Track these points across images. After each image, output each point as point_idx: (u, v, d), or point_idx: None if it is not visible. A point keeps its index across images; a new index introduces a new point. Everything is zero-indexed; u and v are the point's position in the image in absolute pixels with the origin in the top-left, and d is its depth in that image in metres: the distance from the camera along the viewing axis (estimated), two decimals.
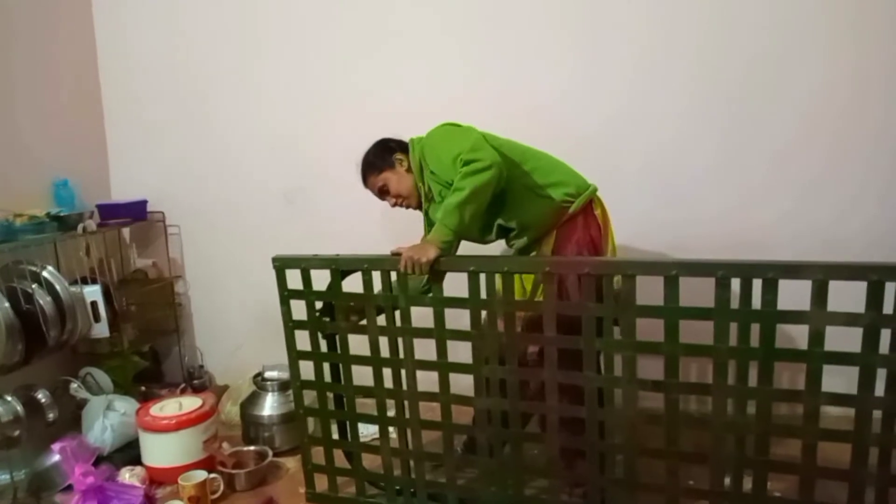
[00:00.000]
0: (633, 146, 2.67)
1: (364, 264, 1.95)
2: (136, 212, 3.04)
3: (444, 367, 1.94)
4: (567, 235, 2.03)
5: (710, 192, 2.64)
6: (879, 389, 1.63)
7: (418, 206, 2.17)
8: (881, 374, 1.63)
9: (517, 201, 2.01)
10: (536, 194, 2.01)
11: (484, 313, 1.91)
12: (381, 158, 2.15)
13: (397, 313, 1.96)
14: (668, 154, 2.65)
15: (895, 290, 1.58)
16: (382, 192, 2.17)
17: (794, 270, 1.64)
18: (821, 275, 1.61)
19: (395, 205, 2.19)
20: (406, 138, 2.17)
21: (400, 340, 1.97)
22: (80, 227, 2.71)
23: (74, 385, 2.62)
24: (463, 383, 1.96)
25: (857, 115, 2.49)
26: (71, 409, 2.59)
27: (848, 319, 1.63)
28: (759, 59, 2.53)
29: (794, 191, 2.59)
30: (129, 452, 2.45)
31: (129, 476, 2.29)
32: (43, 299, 2.39)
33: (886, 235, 2.51)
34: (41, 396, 2.43)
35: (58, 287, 2.47)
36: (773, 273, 1.64)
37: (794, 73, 2.52)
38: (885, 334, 1.61)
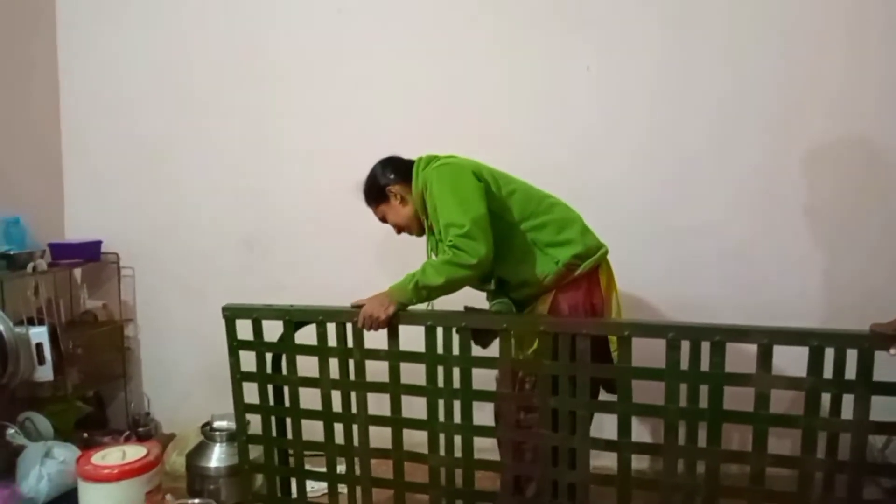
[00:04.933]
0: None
1: (318, 316, 1.93)
2: (89, 252, 2.96)
3: (397, 422, 1.92)
4: (566, 299, 1.92)
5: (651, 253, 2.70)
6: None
7: (421, 234, 2.08)
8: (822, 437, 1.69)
9: (519, 257, 1.92)
10: (542, 252, 1.91)
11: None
12: (375, 190, 2.06)
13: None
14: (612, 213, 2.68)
15: (834, 356, 1.66)
16: (384, 222, 2.12)
17: (740, 334, 1.71)
18: (765, 339, 1.67)
19: (398, 233, 2.12)
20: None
21: (353, 395, 1.95)
22: (30, 266, 2.63)
23: (11, 430, 2.50)
24: (417, 438, 1.95)
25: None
26: (6, 457, 2.47)
27: (791, 383, 1.69)
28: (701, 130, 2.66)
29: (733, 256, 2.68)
30: None
31: None
32: None
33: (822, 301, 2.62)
34: None
35: (1, 327, 2.38)
36: (721, 336, 1.69)
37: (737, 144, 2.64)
38: (826, 398, 1.68)
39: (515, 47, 2.74)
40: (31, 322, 2.53)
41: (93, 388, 3.04)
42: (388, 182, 2.04)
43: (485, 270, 1.85)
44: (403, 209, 2.04)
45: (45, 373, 2.50)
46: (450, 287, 1.84)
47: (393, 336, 1.88)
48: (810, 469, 1.70)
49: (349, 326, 1.91)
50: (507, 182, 1.97)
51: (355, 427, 1.97)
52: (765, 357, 1.68)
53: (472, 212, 1.82)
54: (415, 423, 1.92)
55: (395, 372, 1.89)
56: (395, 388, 1.90)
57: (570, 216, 1.99)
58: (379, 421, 1.95)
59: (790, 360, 1.71)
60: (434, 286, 1.81)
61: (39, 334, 2.50)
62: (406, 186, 2.02)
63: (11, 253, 2.59)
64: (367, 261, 2.80)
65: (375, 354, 1.90)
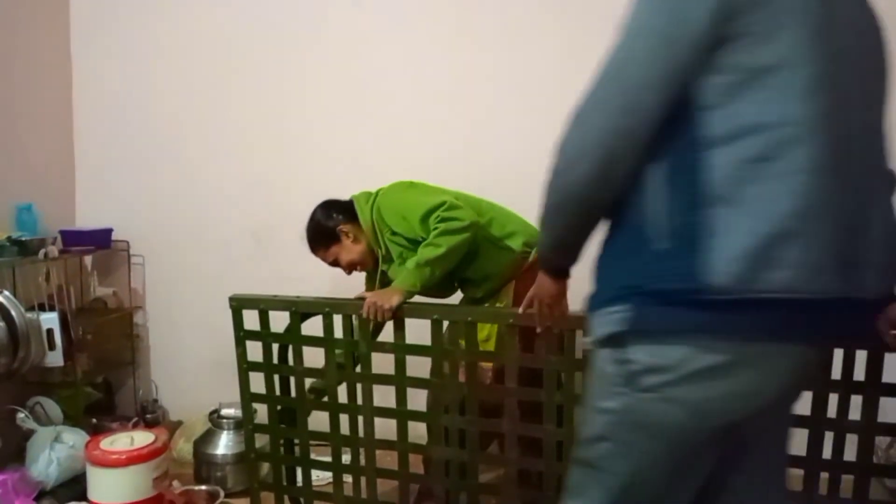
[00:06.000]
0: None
1: (325, 308, 1.94)
2: (100, 240, 2.98)
3: (403, 414, 1.93)
4: (527, 287, 1.96)
5: None
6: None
7: (374, 267, 2.16)
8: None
9: (478, 253, 2.02)
10: (496, 245, 2.04)
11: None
12: (323, 234, 2.14)
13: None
14: None
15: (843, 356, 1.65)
16: (335, 265, 2.18)
17: None
18: None
19: (350, 272, 2.20)
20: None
21: (359, 386, 1.95)
22: (41, 252, 2.65)
23: (21, 415, 2.53)
24: (421, 430, 1.95)
25: None
26: (16, 441, 2.51)
27: None
28: None
29: None
30: (74, 488, 2.36)
31: None
32: None
33: None
34: None
35: (13, 313, 2.40)
36: None
37: None
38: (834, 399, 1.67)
39: (527, 41, 2.72)
40: (42, 308, 2.55)
41: (102, 374, 3.07)
42: (337, 223, 2.12)
43: (477, 233, 1.93)
44: (356, 246, 2.11)
45: (55, 358, 2.53)
46: (450, 255, 1.90)
47: (399, 329, 1.89)
48: (816, 469, 1.69)
49: (355, 318, 1.92)
50: (447, 192, 2.07)
51: (360, 418, 1.97)
52: None
53: (441, 196, 1.96)
54: (420, 416, 1.92)
55: (400, 364, 1.90)
56: (400, 381, 1.91)
57: (508, 211, 2.13)
58: (384, 413, 1.95)
59: None
60: (434, 258, 1.87)
61: (50, 320, 2.52)
62: (355, 225, 2.10)
63: (24, 239, 2.61)
64: None
65: (381, 347, 1.91)
